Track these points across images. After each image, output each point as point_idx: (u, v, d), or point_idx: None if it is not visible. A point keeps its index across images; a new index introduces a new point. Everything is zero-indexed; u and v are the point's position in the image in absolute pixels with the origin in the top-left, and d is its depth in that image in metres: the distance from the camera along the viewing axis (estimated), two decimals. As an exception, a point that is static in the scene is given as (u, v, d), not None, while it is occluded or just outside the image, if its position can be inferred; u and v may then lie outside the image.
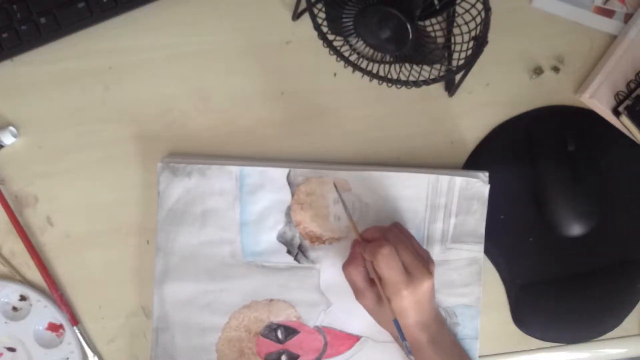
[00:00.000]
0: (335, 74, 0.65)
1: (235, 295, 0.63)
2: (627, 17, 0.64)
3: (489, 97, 0.65)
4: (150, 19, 0.64)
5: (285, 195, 0.62)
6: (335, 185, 0.61)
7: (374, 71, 0.57)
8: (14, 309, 0.64)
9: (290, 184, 0.62)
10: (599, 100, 0.62)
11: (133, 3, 0.63)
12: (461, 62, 0.55)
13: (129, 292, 0.64)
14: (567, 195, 0.63)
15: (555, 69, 0.65)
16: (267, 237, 0.63)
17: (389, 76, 0.57)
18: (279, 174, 0.62)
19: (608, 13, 0.65)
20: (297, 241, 0.63)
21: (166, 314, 0.62)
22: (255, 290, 0.63)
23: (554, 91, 0.65)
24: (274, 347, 0.63)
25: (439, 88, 0.65)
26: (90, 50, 0.64)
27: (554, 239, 0.63)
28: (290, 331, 0.63)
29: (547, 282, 0.64)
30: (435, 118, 0.65)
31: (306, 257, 0.63)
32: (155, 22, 0.64)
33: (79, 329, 0.63)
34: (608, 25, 0.65)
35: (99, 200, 0.64)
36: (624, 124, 0.62)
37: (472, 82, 0.64)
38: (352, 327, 0.63)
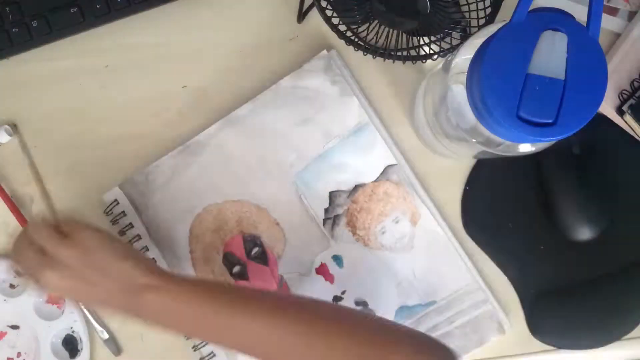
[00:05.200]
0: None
1: (262, 191, 0.62)
2: (631, 15, 0.64)
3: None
4: (147, 18, 0.63)
5: (371, 176, 0.62)
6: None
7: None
8: (12, 286, 0.64)
9: (384, 172, 0.62)
10: (602, 99, 0.62)
11: (126, 11, 0.62)
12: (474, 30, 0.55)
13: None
14: (574, 200, 0.61)
15: (558, 68, 0.64)
16: (326, 183, 0.62)
17: (409, 54, 0.56)
18: (385, 157, 0.62)
19: (611, 11, 0.64)
20: (340, 211, 0.62)
21: (207, 144, 0.62)
22: (276, 205, 0.62)
23: (557, 90, 0.64)
24: (240, 254, 0.62)
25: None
26: (87, 48, 0.64)
27: (565, 245, 0.62)
28: (262, 257, 0.62)
29: (562, 289, 0.62)
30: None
31: (332, 230, 0.62)
32: (153, 20, 0.63)
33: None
34: (611, 23, 0.64)
35: (96, 201, 0.63)
36: (628, 123, 0.61)
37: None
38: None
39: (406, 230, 0.62)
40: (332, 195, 0.62)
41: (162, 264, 0.62)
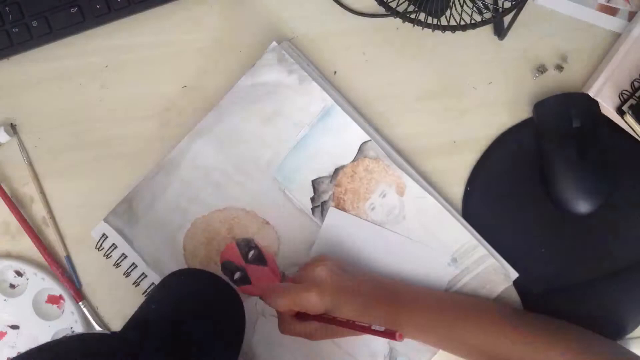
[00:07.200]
0: (335, 72, 0.64)
1: (245, 195, 0.62)
2: (631, 15, 0.64)
3: (492, 96, 0.64)
4: (147, 17, 0.63)
5: (348, 156, 0.62)
6: None
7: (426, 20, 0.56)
8: (12, 286, 0.64)
9: (360, 150, 0.62)
10: (602, 99, 0.62)
11: (126, 11, 0.62)
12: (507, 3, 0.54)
13: (126, 294, 0.63)
14: (574, 173, 0.61)
15: (559, 68, 0.64)
16: (306, 173, 0.62)
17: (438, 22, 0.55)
18: (358, 135, 0.61)
19: (612, 11, 0.64)
20: (325, 197, 0.62)
21: (182, 160, 0.61)
22: (263, 204, 0.62)
23: (558, 90, 0.64)
24: (237, 260, 0.62)
25: (443, 85, 0.64)
26: (87, 48, 0.64)
27: (565, 246, 0.62)
28: (260, 259, 0.62)
29: (563, 289, 0.63)
30: (437, 116, 0.64)
31: (322, 217, 0.62)
32: (152, 19, 0.63)
33: (83, 305, 0.63)
34: (612, 23, 0.64)
35: (95, 201, 0.63)
36: (628, 123, 0.61)
37: (475, 79, 0.63)
38: None
39: (395, 202, 0.62)
40: (315, 183, 0.62)
41: None
